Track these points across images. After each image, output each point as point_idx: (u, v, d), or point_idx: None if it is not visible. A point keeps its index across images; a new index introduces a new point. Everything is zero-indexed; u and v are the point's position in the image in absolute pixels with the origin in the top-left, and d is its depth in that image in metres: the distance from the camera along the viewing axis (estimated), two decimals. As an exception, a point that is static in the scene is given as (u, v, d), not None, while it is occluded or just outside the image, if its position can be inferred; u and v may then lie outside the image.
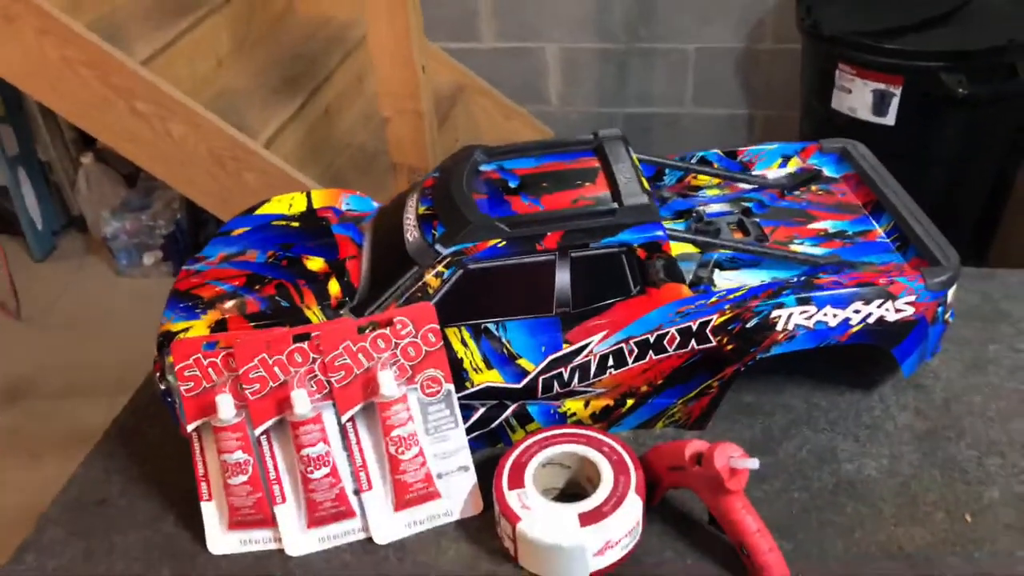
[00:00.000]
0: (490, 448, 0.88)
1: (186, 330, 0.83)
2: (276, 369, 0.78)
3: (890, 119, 1.89)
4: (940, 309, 0.85)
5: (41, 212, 2.61)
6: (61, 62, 1.86)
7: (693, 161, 1.03)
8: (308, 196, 1.00)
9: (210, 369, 0.79)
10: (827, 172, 1.03)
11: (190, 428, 0.80)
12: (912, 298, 0.83)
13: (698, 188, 1.02)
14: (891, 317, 0.83)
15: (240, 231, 0.97)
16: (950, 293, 0.85)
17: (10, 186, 2.50)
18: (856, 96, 1.91)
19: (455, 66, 2.54)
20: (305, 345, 0.79)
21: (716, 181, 1.02)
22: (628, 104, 2.61)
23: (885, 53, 1.82)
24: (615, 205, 0.84)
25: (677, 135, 2.59)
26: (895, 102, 1.87)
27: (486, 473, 0.81)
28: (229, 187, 1.95)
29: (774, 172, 1.04)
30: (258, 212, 1.00)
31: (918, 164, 1.86)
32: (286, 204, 1.00)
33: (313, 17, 2.60)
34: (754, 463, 0.72)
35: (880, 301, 0.82)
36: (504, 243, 0.81)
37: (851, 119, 1.92)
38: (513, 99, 2.58)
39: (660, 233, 0.83)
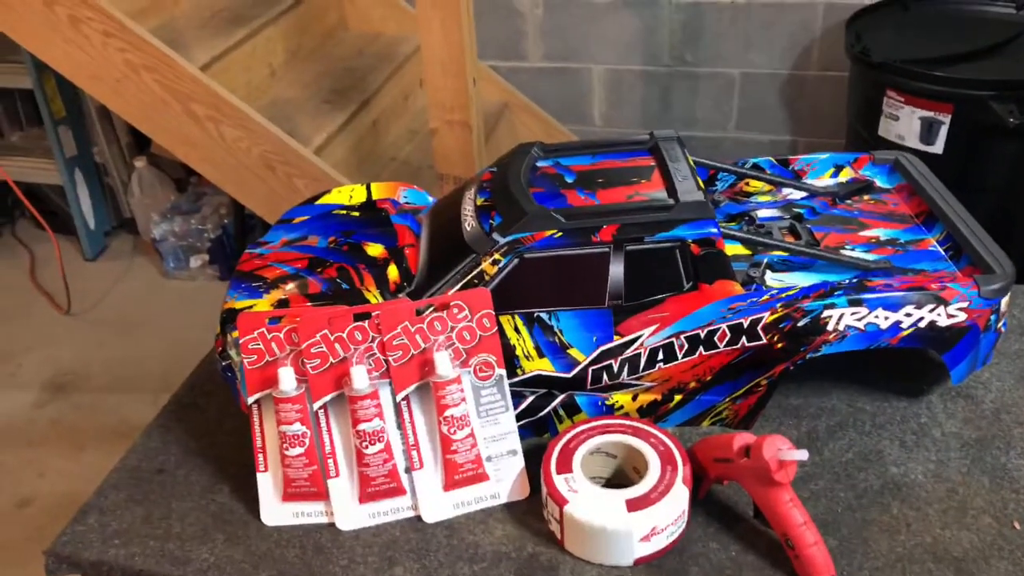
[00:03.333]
0: (537, 437, 0.89)
1: (249, 308, 0.86)
2: (337, 346, 0.81)
3: (938, 147, 1.88)
4: (993, 317, 0.85)
5: (94, 212, 2.68)
6: (124, 65, 1.91)
7: (746, 167, 1.05)
8: (368, 188, 1.03)
9: (273, 343, 0.81)
10: (879, 183, 1.04)
11: (251, 400, 0.82)
12: (965, 304, 0.83)
13: (750, 194, 1.04)
14: (943, 322, 0.84)
15: (301, 219, 1.00)
16: (1004, 302, 0.85)
17: (66, 186, 2.57)
18: (903, 123, 1.92)
19: (501, 84, 2.57)
20: (365, 324, 0.81)
21: (768, 188, 1.04)
22: (671, 127, 2.56)
23: (935, 81, 1.82)
24: (671, 201, 0.85)
25: (720, 159, 2.60)
26: (944, 130, 1.86)
27: (533, 460, 0.83)
28: (279, 192, 1.99)
29: (825, 181, 1.05)
30: (319, 202, 1.02)
31: (967, 193, 1.84)
32: (346, 195, 1.03)
33: (364, 33, 2.65)
34: (803, 454, 0.72)
35: (932, 306, 0.83)
36: (560, 234, 0.83)
37: (898, 147, 1.92)
38: (557, 118, 2.60)
39: (714, 230, 0.84)
